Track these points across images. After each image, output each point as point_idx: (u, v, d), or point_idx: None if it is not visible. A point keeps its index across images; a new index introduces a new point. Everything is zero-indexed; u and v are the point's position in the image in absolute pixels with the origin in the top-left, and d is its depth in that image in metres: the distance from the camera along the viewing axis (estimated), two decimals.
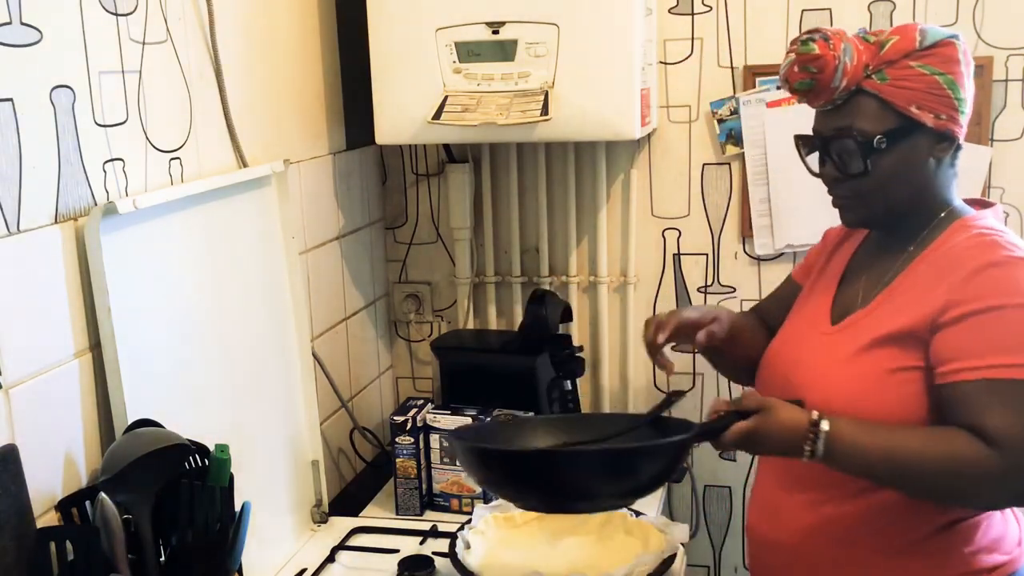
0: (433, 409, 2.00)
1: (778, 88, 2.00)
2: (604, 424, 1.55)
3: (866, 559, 1.46)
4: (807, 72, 1.40)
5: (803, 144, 1.50)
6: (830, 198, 1.49)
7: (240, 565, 1.44)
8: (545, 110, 1.92)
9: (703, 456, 2.40)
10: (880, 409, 1.38)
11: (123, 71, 1.47)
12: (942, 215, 1.46)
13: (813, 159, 1.49)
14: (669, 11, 2.21)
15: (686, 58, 2.23)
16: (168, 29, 1.57)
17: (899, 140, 1.39)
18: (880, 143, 1.39)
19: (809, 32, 1.42)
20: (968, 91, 1.42)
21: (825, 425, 1.34)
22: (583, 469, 1.34)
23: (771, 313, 1.73)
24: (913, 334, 1.38)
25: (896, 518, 1.43)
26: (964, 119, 1.42)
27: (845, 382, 1.42)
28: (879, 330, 1.41)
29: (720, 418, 1.38)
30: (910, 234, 1.47)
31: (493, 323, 2.43)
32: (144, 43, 1.51)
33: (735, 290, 2.31)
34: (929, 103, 1.38)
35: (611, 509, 1.60)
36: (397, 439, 1.97)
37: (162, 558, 1.37)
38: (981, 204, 1.51)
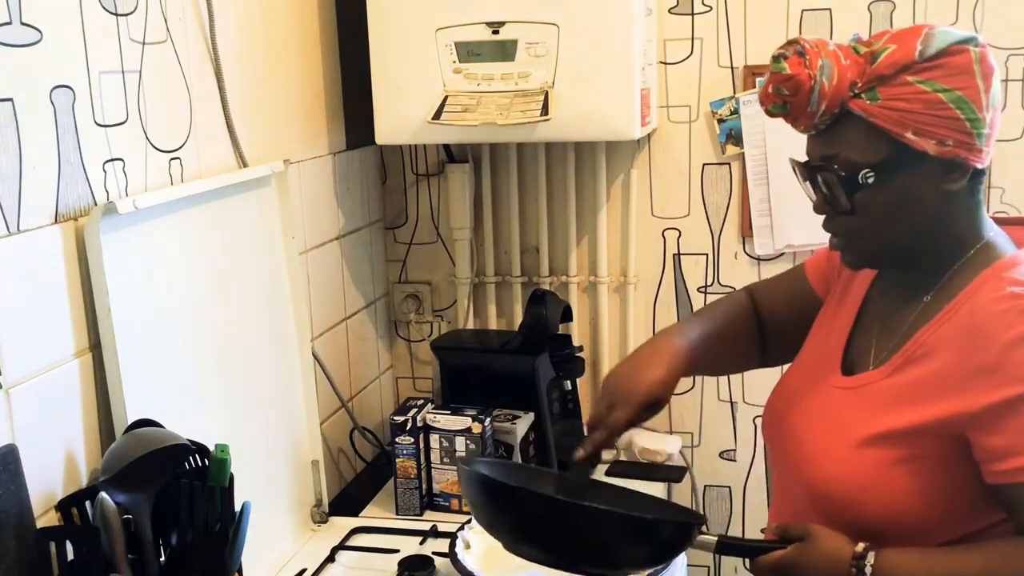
0: (433, 409, 2.00)
1: None
2: (611, 494, 1.42)
3: None
4: (779, 95, 1.21)
5: (797, 170, 1.30)
6: None
7: (240, 565, 1.44)
8: (545, 110, 1.92)
9: (703, 456, 2.40)
10: (881, 502, 1.23)
11: (123, 71, 1.47)
12: (970, 253, 1.24)
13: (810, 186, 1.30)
14: (669, 11, 2.21)
15: (686, 58, 2.23)
16: (168, 29, 1.57)
17: (893, 173, 1.18)
18: (867, 177, 1.19)
19: (785, 46, 1.22)
20: (989, 107, 1.17)
21: (871, 559, 1.17)
22: (598, 527, 1.21)
23: (769, 302, 1.55)
24: (937, 426, 1.19)
25: None
26: (983, 141, 1.18)
27: (849, 472, 1.25)
28: (896, 419, 1.22)
29: (760, 540, 1.28)
30: (927, 278, 1.26)
31: (493, 323, 2.43)
32: (144, 43, 1.51)
33: (735, 290, 2.31)
34: (931, 127, 1.16)
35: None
36: (397, 439, 1.97)
37: (162, 558, 1.37)
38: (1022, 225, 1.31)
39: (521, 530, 1.25)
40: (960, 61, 1.17)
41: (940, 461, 1.20)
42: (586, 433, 1.40)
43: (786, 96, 1.20)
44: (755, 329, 1.54)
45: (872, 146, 1.19)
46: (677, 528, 1.27)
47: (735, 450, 2.38)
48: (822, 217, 1.31)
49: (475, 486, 1.28)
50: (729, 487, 2.40)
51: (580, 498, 1.24)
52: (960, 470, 1.20)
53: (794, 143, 1.36)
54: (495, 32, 1.97)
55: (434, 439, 1.98)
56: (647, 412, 1.37)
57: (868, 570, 1.17)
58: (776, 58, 1.21)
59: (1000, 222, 1.30)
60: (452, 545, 1.62)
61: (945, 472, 1.20)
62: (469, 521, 1.70)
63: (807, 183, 1.28)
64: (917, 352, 1.23)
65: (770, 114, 1.25)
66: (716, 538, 1.26)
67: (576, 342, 2.28)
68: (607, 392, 1.39)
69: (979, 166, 1.20)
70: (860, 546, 1.19)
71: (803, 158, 1.29)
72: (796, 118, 1.23)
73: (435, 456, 1.98)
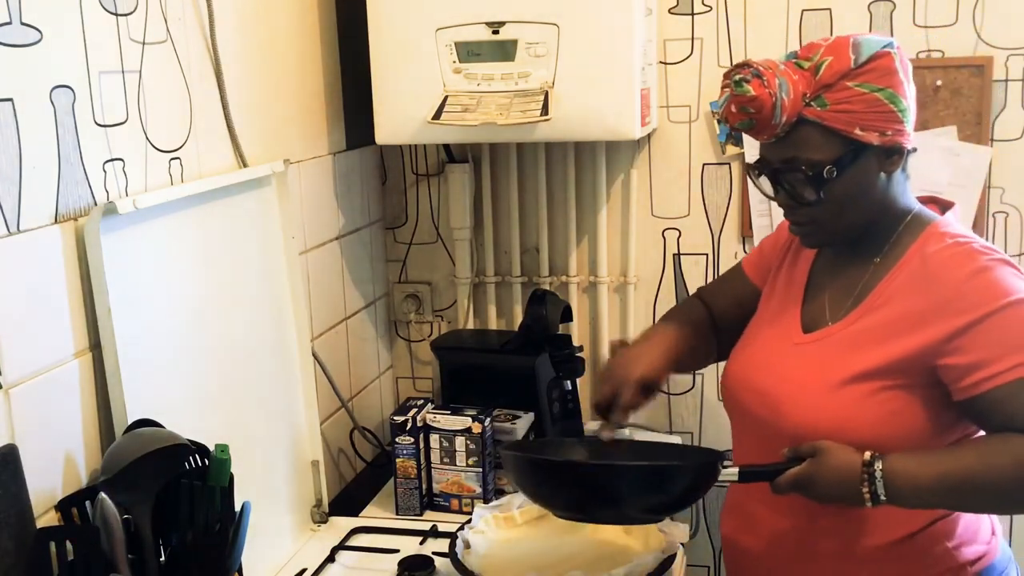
0: (433, 409, 2.00)
1: None
2: (645, 450, 1.63)
3: (851, 566, 1.46)
4: (745, 113, 1.37)
5: (754, 171, 1.47)
6: None
7: (240, 565, 1.44)
8: (545, 110, 1.92)
9: None
10: (863, 430, 1.37)
11: (123, 71, 1.47)
12: (906, 220, 1.44)
13: (766, 182, 1.46)
14: (669, 11, 2.21)
15: (686, 58, 2.23)
16: (168, 29, 1.57)
17: (848, 165, 1.37)
18: (830, 172, 1.37)
19: (740, 69, 1.38)
20: (909, 97, 1.39)
21: (879, 464, 1.32)
22: (628, 483, 1.37)
23: (717, 302, 1.73)
24: (906, 361, 1.36)
25: (879, 521, 1.42)
26: (910, 126, 1.40)
27: (826, 412, 1.40)
28: (866, 360, 1.39)
29: (777, 463, 1.39)
30: (873, 245, 1.45)
31: (493, 323, 2.43)
32: (144, 43, 1.51)
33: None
34: (873, 122, 1.36)
35: (643, 523, 1.62)
36: (397, 439, 1.97)
37: (162, 558, 1.37)
38: (936, 203, 1.50)
39: (577, 498, 1.41)
40: (886, 63, 1.37)
41: (911, 386, 1.37)
42: (593, 412, 1.60)
43: (752, 114, 1.36)
44: (712, 327, 1.72)
45: (828, 145, 1.37)
46: (703, 469, 1.42)
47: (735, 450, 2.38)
48: None
49: (525, 468, 1.45)
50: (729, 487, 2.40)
51: (620, 458, 1.46)
52: (928, 393, 1.37)
53: None
54: (495, 32, 1.97)
55: (434, 439, 1.98)
56: (645, 394, 1.55)
57: (878, 474, 1.32)
58: (738, 82, 1.37)
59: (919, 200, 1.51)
60: (452, 545, 1.62)
61: (915, 395, 1.37)
62: (469, 521, 1.70)
63: (762, 180, 1.46)
64: (876, 302, 1.42)
65: (735, 130, 1.43)
66: (738, 469, 1.41)
67: (576, 342, 2.28)
68: (608, 377, 1.57)
69: (909, 147, 1.41)
70: (867, 454, 1.33)
71: (755, 160, 1.47)
72: (760, 131, 1.39)
73: (435, 456, 1.98)
